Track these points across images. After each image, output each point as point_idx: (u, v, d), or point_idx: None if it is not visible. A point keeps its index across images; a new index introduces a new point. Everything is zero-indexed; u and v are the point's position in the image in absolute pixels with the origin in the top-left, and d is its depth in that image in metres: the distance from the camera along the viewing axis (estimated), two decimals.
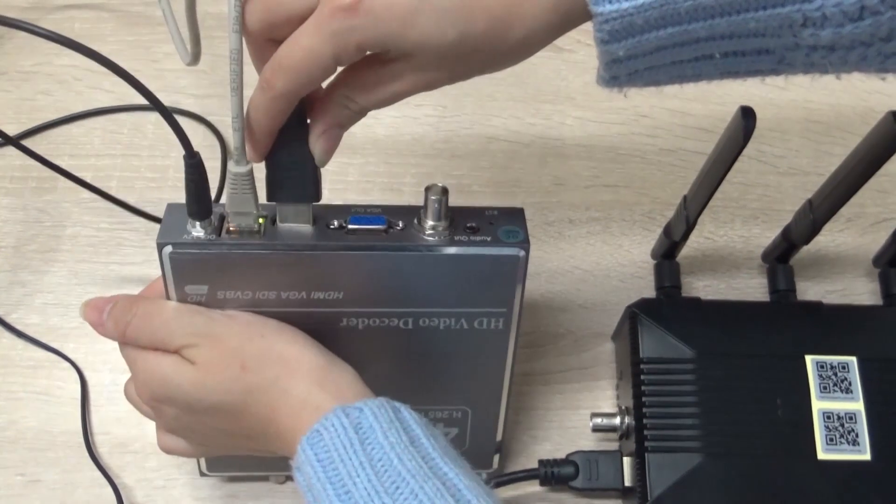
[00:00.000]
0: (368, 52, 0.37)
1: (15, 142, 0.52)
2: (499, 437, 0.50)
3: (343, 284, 0.42)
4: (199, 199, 0.42)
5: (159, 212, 0.60)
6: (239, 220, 0.42)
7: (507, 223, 0.43)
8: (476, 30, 0.37)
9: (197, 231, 0.42)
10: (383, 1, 0.36)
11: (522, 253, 0.43)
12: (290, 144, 0.40)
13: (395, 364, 0.46)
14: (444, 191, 0.42)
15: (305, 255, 0.42)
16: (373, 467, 0.37)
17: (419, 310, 0.44)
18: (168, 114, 0.42)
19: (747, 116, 0.42)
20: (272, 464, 0.49)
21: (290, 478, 0.52)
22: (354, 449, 0.37)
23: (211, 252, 0.42)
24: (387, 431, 0.38)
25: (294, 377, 0.41)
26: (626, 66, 0.39)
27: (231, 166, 0.41)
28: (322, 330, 0.43)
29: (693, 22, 0.37)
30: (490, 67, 0.40)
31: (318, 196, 0.42)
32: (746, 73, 0.40)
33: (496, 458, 0.51)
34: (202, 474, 0.52)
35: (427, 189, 0.42)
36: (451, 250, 0.42)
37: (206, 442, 0.46)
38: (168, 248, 0.42)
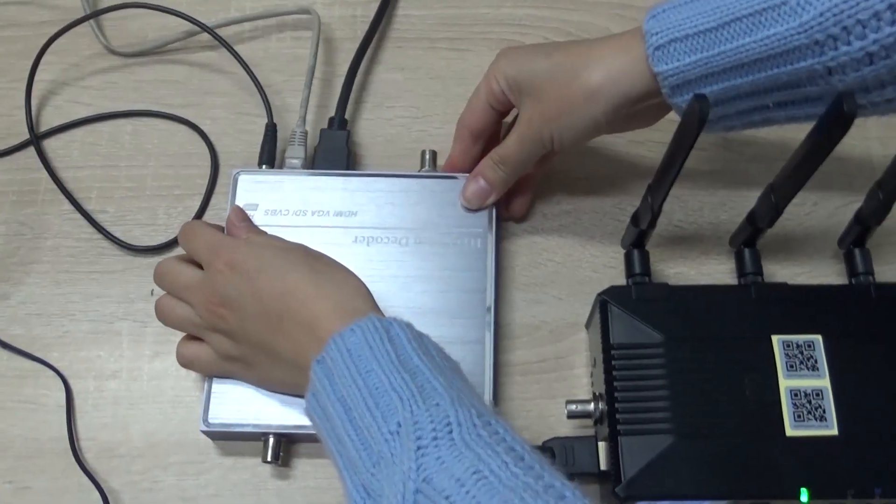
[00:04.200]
0: None
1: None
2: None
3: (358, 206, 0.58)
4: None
5: (137, 221, 0.62)
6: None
7: None
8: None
9: None
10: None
11: None
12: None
13: (392, 287, 0.56)
14: (433, 152, 0.61)
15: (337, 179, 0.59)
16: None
17: (415, 229, 0.57)
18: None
19: (701, 102, 0.44)
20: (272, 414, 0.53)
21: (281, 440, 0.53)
22: (384, 343, 0.44)
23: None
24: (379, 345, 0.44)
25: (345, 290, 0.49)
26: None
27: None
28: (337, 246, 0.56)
29: (735, 78, 0.48)
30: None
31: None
32: (806, 118, 0.50)
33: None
34: (203, 431, 0.53)
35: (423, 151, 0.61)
36: (438, 177, 0.60)
37: (242, 350, 0.51)
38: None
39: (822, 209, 0.62)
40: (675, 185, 0.59)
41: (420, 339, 0.46)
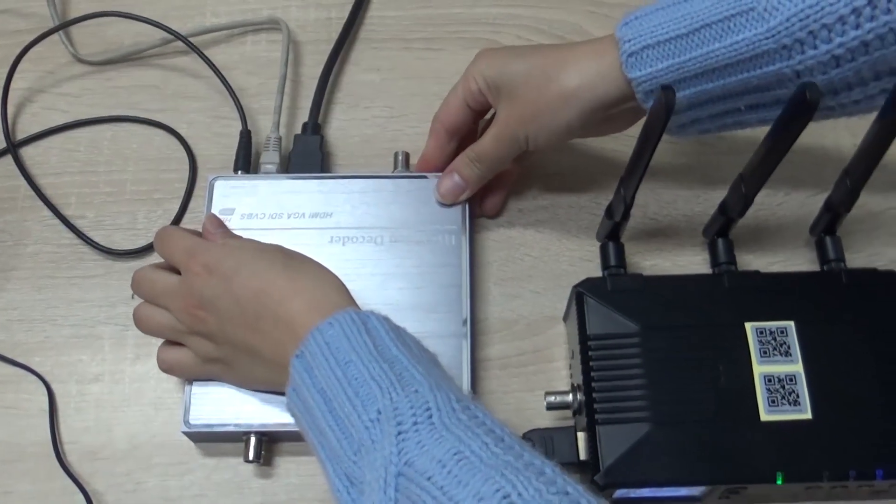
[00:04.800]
0: None
1: None
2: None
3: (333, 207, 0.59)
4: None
5: (117, 226, 0.62)
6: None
7: None
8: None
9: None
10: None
11: None
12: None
13: (369, 285, 0.57)
14: (406, 154, 0.62)
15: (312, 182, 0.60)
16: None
17: (390, 228, 0.58)
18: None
19: (667, 93, 0.44)
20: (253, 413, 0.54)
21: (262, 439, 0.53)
22: (362, 335, 0.45)
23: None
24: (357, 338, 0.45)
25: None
26: (671, 122, 0.49)
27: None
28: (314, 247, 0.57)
29: (707, 83, 0.49)
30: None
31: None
32: None
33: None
34: (185, 432, 0.54)
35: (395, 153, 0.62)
36: (411, 176, 0.60)
37: (223, 351, 0.51)
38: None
39: (794, 199, 0.62)
40: (649, 179, 0.60)
41: (397, 330, 0.47)
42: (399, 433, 0.40)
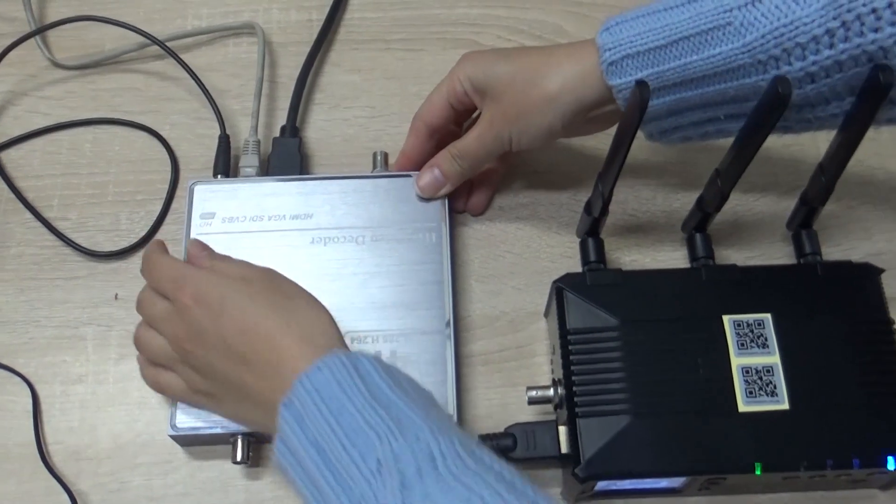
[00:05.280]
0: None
1: None
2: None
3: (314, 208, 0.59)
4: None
5: (99, 227, 0.62)
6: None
7: None
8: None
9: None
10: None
11: None
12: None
13: (351, 284, 0.57)
14: (385, 153, 0.63)
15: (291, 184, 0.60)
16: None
17: (370, 227, 0.59)
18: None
19: (642, 88, 0.45)
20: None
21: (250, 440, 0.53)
22: (353, 379, 0.43)
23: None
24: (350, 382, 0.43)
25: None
26: (653, 127, 0.53)
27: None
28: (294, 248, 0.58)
29: (685, 91, 0.50)
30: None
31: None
32: None
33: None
34: (171, 436, 0.54)
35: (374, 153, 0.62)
36: (390, 176, 0.61)
37: (211, 385, 0.49)
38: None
39: (771, 195, 0.63)
40: (628, 176, 0.61)
41: (390, 371, 0.45)
42: (402, 485, 0.38)
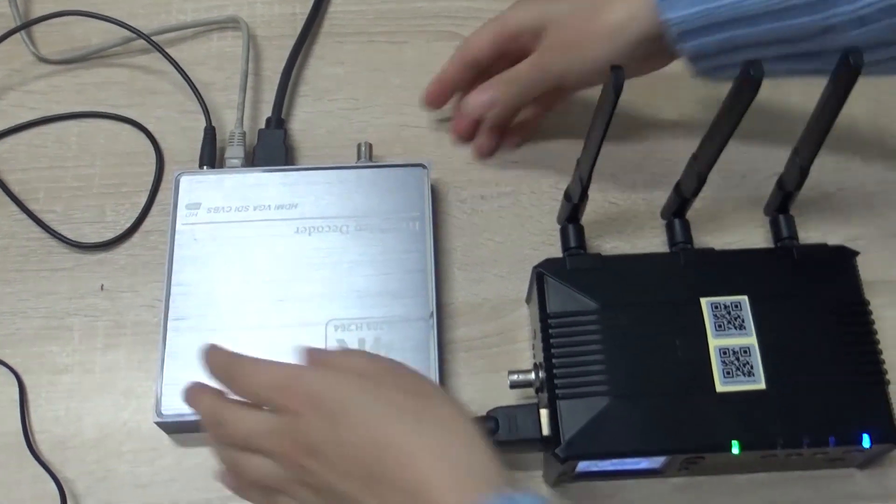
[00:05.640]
0: None
1: None
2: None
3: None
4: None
5: (85, 219, 0.63)
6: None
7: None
8: None
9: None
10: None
11: (426, 167, 0.61)
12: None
13: (336, 273, 0.58)
14: (369, 144, 0.63)
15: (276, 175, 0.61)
16: None
17: (355, 217, 0.59)
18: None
19: (617, 72, 0.46)
20: None
21: None
22: None
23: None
24: None
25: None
26: (703, 64, 0.54)
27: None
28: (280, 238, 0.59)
29: (736, 30, 0.51)
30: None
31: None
32: (807, 73, 0.53)
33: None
34: (157, 422, 0.55)
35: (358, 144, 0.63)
36: (375, 166, 0.62)
37: None
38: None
39: (750, 182, 0.64)
40: (609, 164, 0.62)
41: None
42: None
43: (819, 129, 0.51)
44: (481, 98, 0.60)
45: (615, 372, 0.51)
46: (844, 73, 0.46)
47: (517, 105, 0.61)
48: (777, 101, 0.66)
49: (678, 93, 0.67)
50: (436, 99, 0.63)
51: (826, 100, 0.49)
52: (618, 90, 0.46)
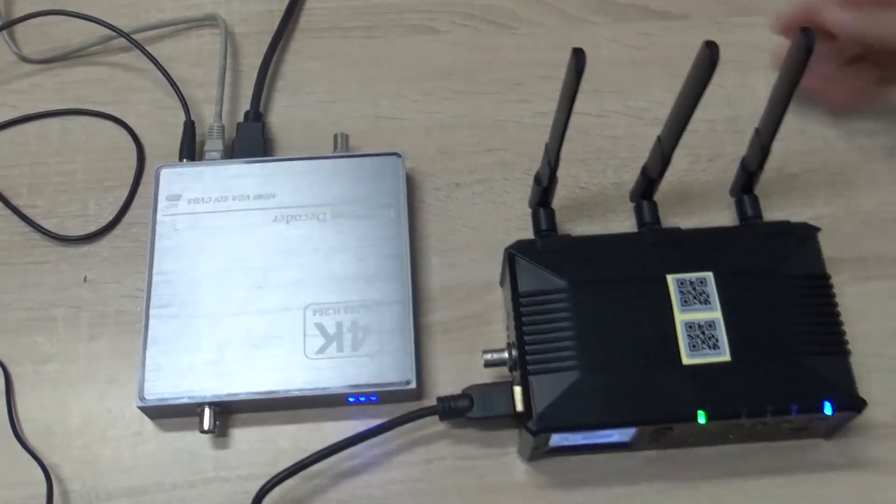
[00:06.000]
0: None
1: None
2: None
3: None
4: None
5: (68, 213, 0.64)
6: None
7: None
8: None
9: None
10: None
11: (400, 156, 0.62)
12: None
13: (314, 259, 0.59)
14: (345, 135, 0.65)
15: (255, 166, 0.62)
16: None
17: (332, 205, 0.60)
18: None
19: (577, 55, 0.47)
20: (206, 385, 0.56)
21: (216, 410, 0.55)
22: None
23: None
24: None
25: None
26: None
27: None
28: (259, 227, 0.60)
29: None
30: None
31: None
32: None
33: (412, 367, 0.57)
34: (140, 406, 0.56)
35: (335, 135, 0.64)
36: (351, 156, 0.63)
37: None
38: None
39: (717, 166, 0.66)
40: (580, 151, 0.66)
41: None
42: None
43: (778, 108, 0.52)
44: (844, 15, 0.56)
45: (584, 347, 0.53)
46: (797, 51, 0.48)
47: (868, 46, 0.57)
48: (743, 88, 0.68)
49: (648, 80, 0.69)
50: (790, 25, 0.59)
51: (783, 77, 0.50)
52: (579, 72, 0.47)
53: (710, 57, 0.47)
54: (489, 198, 0.65)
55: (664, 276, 0.55)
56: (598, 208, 0.64)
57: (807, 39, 0.47)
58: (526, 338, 0.53)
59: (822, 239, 0.57)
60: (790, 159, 0.66)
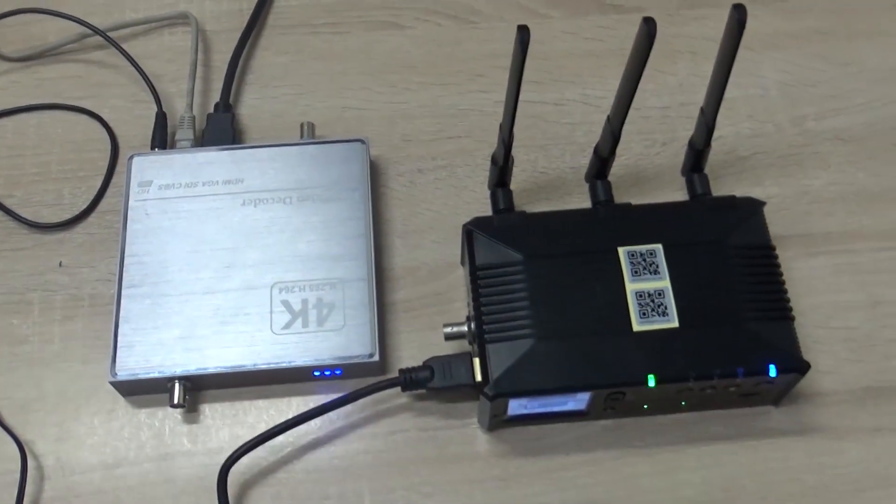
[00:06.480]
0: None
1: None
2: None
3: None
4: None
5: (44, 202, 0.66)
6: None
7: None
8: None
9: None
10: None
11: (364, 142, 0.65)
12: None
13: (280, 240, 0.61)
14: (311, 124, 0.67)
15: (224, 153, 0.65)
16: None
17: (298, 189, 0.63)
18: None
19: (523, 32, 0.50)
20: (176, 360, 0.58)
21: (186, 385, 0.57)
22: None
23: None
24: None
25: None
26: None
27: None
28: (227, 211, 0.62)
29: None
30: None
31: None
32: None
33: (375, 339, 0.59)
34: (112, 382, 0.58)
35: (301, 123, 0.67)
36: (317, 142, 0.65)
37: None
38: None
39: (670, 149, 0.68)
40: (538, 137, 0.69)
41: None
42: None
43: (718, 84, 0.55)
44: None
45: (539, 316, 0.55)
46: (731, 27, 0.51)
47: None
48: (695, 77, 0.71)
49: (604, 71, 0.71)
50: None
51: (721, 55, 0.53)
52: (524, 48, 0.50)
53: (647, 31, 0.49)
54: (451, 182, 0.67)
55: (615, 249, 0.57)
56: (556, 191, 0.66)
57: (738, 14, 0.49)
58: (483, 308, 0.55)
59: (772, 217, 0.60)
60: (740, 143, 0.68)
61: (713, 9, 0.73)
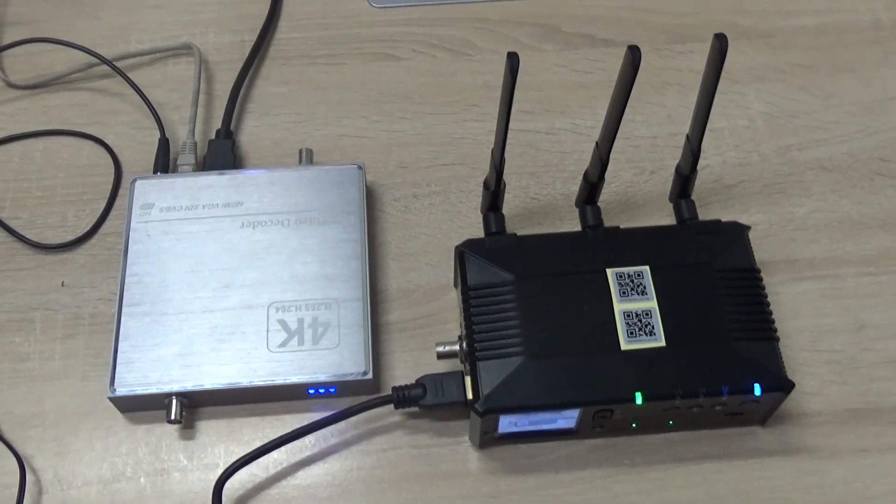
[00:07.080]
0: None
1: None
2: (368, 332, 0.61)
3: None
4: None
5: (48, 224, 0.68)
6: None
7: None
8: None
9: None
10: None
11: (361, 168, 0.67)
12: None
13: (278, 261, 0.63)
14: (309, 150, 0.69)
15: (224, 177, 0.67)
16: None
17: (296, 212, 0.65)
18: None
19: (513, 59, 0.52)
20: (174, 377, 0.59)
21: (183, 401, 0.58)
22: None
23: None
24: None
25: None
26: None
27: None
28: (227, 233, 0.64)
29: None
30: None
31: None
32: None
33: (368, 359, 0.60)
34: (111, 398, 0.59)
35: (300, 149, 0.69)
36: (314, 167, 0.68)
37: None
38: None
39: (658, 177, 0.70)
40: (531, 164, 0.71)
41: None
42: None
43: (702, 110, 0.57)
44: None
45: (529, 335, 0.56)
46: (714, 56, 0.53)
47: None
48: (683, 108, 0.73)
49: (593, 101, 0.74)
50: None
51: (704, 82, 0.55)
52: (514, 73, 0.52)
53: (632, 59, 0.51)
54: (445, 207, 0.69)
55: (604, 270, 0.58)
56: (547, 217, 0.68)
57: (720, 42, 0.52)
58: (474, 327, 0.57)
59: (758, 243, 0.62)
60: (727, 172, 0.70)
61: (700, 43, 0.76)
